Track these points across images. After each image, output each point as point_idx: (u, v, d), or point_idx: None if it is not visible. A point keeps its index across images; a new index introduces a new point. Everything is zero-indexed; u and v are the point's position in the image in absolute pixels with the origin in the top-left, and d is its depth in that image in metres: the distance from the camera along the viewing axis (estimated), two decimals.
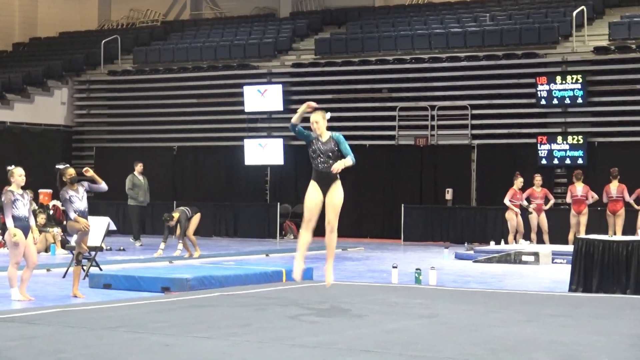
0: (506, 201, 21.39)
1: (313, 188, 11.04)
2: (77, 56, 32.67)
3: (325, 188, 10.98)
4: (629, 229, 21.16)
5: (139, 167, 23.50)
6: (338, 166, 10.71)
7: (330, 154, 10.90)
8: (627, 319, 10.58)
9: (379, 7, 33.49)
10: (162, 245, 19.31)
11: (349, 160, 10.77)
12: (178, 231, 19.02)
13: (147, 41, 33.25)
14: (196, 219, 19.27)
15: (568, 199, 21.84)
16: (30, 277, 12.47)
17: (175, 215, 18.93)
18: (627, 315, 10.88)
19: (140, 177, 23.46)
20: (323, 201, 10.99)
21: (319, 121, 11.01)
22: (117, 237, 24.82)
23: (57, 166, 12.85)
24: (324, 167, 10.90)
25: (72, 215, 12.64)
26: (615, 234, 20.01)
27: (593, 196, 21.43)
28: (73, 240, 13.37)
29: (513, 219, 21.49)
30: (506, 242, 21.61)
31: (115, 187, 28.88)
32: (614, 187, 21.43)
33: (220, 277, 13.56)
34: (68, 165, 13.06)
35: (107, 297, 12.38)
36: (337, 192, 11.01)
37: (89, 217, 12.89)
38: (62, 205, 12.86)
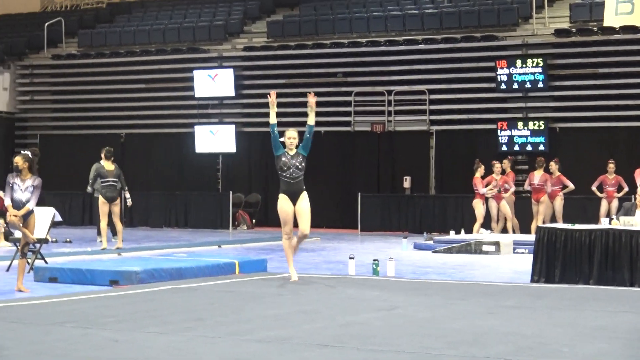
0: (482, 190, 20.79)
1: (284, 200, 12.61)
2: (19, 39, 31.90)
3: (294, 198, 12.59)
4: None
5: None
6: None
7: (299, 165, 12.56)
8: (590, 311, 10.48)
9: None
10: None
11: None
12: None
13: (92, 24, 32.52)
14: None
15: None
16: None
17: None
18: (590, 307, 10.79)
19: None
20: (294, 210, 12.61)
21: (296, 137, 12.58)
22: (63, 228, 24.28)
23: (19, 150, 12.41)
24: (294, 178, 12.50)
25: (7, 202, 12.27)
26: (537, 221, 20.38)
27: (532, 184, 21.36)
28: (17, 232, 12.84)
29: (481, 207, 20.92)
30: (468, 232, 21.12)
31: (60, 177, 28.44)
32: (538, 175, 21.24)
33: (171, 269, 13.40)
34: (28, 153, 12.75)
35: (53, 291, 12.08)
36: (305, 201, 12.64)
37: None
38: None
